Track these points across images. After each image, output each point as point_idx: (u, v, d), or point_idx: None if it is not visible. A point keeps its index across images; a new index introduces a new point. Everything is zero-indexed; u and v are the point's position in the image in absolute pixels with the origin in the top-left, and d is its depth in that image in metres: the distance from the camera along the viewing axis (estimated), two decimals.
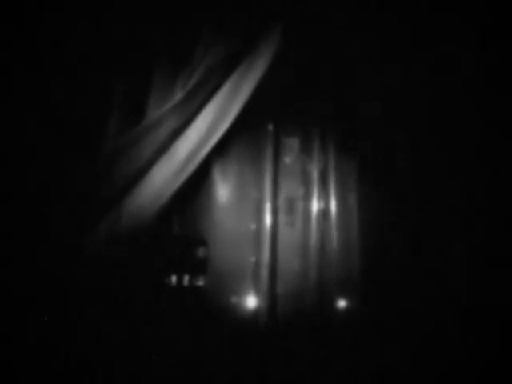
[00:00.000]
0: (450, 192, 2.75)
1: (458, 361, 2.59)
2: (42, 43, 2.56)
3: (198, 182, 2.75)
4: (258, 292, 2.74)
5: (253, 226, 2.82)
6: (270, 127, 2.89)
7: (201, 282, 2.75)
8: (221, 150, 2.77)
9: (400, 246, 2.76)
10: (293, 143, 2.93)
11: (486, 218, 2.69)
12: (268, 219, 2.81)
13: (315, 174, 2.90)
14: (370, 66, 2.80)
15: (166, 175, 2.59)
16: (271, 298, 2.73)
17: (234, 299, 2.74)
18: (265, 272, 2.74)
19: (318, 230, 2.84)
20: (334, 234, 2.85)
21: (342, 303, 2.79)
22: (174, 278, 2.73)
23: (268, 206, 2.82)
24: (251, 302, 2.75)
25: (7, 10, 2.53)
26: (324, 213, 2.87)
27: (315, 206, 2.87)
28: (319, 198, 2.88)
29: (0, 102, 2.50)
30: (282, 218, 2.84)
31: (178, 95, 2.61)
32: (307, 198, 2.88)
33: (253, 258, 2.78)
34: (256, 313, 2.73)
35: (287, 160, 2.91)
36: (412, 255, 2.73)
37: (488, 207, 2.70)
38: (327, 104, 2.90)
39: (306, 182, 2.90)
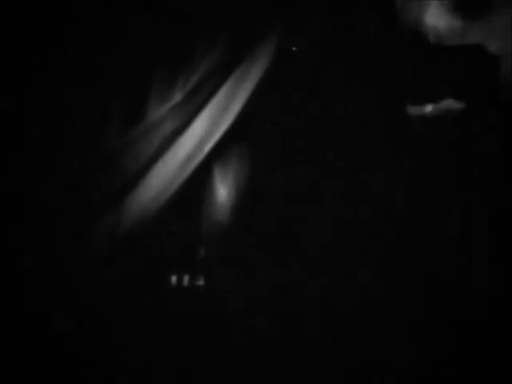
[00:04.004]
0: None
1: None
2: (42, 43, 2.56)
3: (198, 181, 2.74)
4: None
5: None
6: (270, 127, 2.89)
7: (201, 282, 2.75)
8: (221, 149, 2.76)
9: None
10: None
11: None
12: None
13: None
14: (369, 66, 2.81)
15: (166, 175, 2.60)
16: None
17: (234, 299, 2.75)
18: None
19: None
20: None
21: None
22: (173, 278, 2.73)
23: None
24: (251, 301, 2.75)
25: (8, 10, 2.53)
26: None
27: None
28: None
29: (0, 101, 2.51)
30: None
31: (178, 95, 2.62)
32: None
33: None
34: (256, 313, 2.73)
35: None
36: None
37: None
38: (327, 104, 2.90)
39: None
